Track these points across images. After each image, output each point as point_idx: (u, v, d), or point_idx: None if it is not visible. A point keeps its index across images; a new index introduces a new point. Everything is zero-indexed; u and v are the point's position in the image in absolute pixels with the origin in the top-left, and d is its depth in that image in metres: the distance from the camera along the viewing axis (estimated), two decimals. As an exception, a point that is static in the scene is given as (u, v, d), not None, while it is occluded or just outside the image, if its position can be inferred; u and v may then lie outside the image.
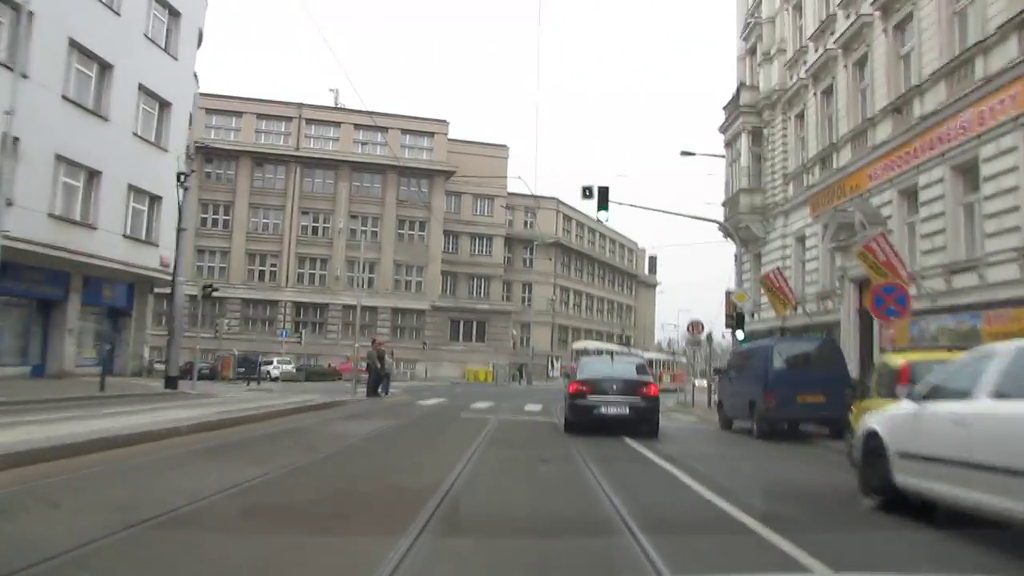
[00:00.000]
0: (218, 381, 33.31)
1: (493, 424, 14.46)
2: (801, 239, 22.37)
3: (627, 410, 12.21)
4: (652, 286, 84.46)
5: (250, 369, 39.54)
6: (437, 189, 52.08)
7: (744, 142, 25.63)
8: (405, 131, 52.36)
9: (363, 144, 51.88)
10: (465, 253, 55.37)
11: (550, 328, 60.30)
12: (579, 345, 49.03)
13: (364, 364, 24.34)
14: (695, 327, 27.26)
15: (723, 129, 27.37)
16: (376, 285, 50.92)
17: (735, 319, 22.84)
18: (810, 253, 21.69)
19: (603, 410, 12.21)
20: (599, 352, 34.24)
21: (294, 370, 42.88)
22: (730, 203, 26.34)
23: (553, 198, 60.54)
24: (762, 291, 22.15)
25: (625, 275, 77.15)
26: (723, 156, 27.76)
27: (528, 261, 59.35)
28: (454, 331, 52.37)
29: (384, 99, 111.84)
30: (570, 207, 62.52)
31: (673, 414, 20.50)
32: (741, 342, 21.69)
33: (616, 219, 78.33)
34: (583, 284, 66.77)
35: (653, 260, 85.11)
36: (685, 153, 25.78)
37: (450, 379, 48.65)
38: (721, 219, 26.61)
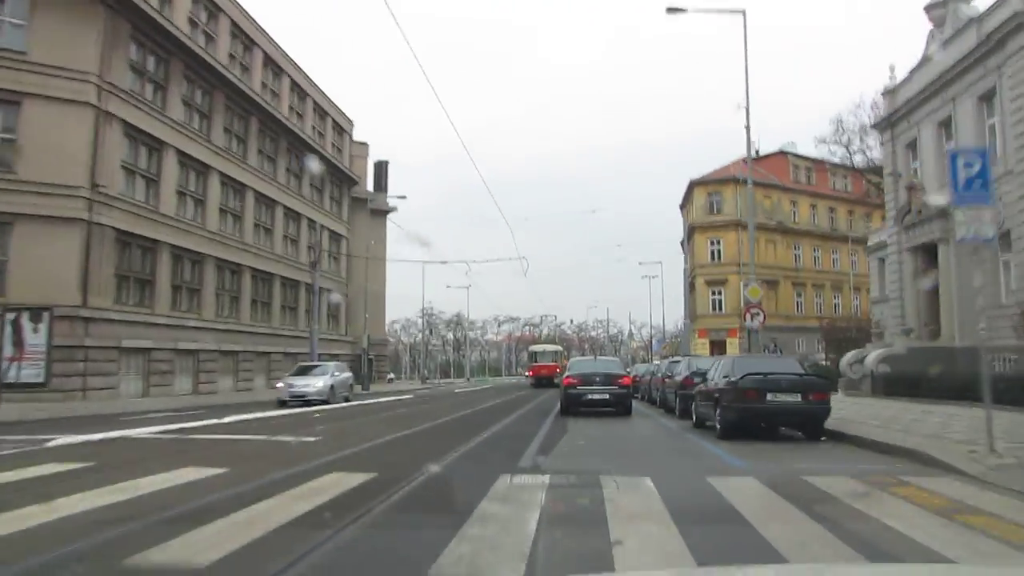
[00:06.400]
0: None
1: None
2: None
3: (607, 396, 16.47)
4: (383, 212, 49.57)
5: None
6: None
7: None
8: None
9: None
10: None
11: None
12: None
13: None
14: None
15: None
16: None
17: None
18: None
19: (589, 396, 16.47)
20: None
21: None
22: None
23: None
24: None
25: (333, 174, 41.65)
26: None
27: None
28: None
29: None
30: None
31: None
32: None
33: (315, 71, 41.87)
34: (234, 161, 30.26)
35: (383, 167, 50.62)
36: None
37: None
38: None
